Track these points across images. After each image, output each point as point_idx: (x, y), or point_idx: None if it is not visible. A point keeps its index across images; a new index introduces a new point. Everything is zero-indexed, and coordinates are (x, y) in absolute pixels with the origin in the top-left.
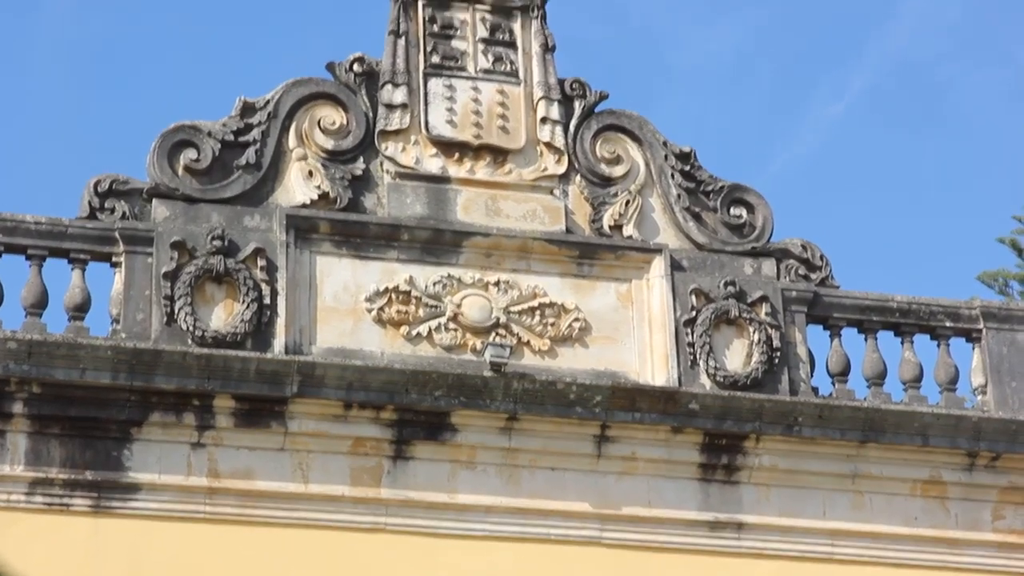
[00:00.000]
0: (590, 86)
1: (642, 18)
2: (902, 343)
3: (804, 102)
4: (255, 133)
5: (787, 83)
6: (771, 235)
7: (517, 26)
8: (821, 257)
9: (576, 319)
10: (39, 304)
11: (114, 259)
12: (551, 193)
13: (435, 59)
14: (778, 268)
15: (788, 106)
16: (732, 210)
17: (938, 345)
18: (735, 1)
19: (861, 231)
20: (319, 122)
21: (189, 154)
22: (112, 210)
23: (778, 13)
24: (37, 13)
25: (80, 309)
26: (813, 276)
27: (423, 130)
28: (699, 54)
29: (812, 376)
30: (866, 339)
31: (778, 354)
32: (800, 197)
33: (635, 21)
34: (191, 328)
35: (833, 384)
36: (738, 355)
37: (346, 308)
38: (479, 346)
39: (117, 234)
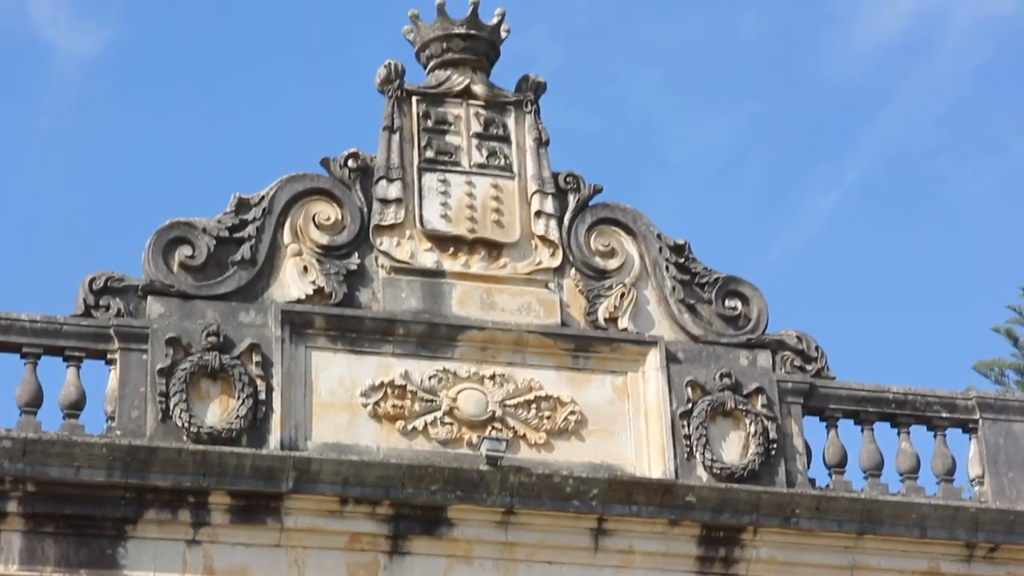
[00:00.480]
0: (584, 179)
1: (636, 110)
2: (898, 434)
3: (798, 193)
4: (250, 229)
5: (781, 174)
6: (766, 326)
7: (511, 121)
8: (816, 348)
9: (572, 412)
10: (34, 402)
11: (109, 356)
12: (546, 286)
13: (429, 154)
14: (773, 359)
15: (782, 197)
16: (727, 302)
17: (935, 436)
18: (729, 93)
19: (856, 321)
20: (314, 217)
21: (184, 251)
22: (107, 307)
23: (772, 105)
24: (33, 109)
25: (75, 407)
26: (809, 367)
27: (418, 224)
28: (693, 146)
29: (809, 467)
30: (862, 430)
31: (774, 446)
32: (795, 288)
33: (630, 113)
34: (186, 424)
35: (830, 475)
36: (734, 447)
37: (341, 403)
38: (475, 440)
39: (112, 331)
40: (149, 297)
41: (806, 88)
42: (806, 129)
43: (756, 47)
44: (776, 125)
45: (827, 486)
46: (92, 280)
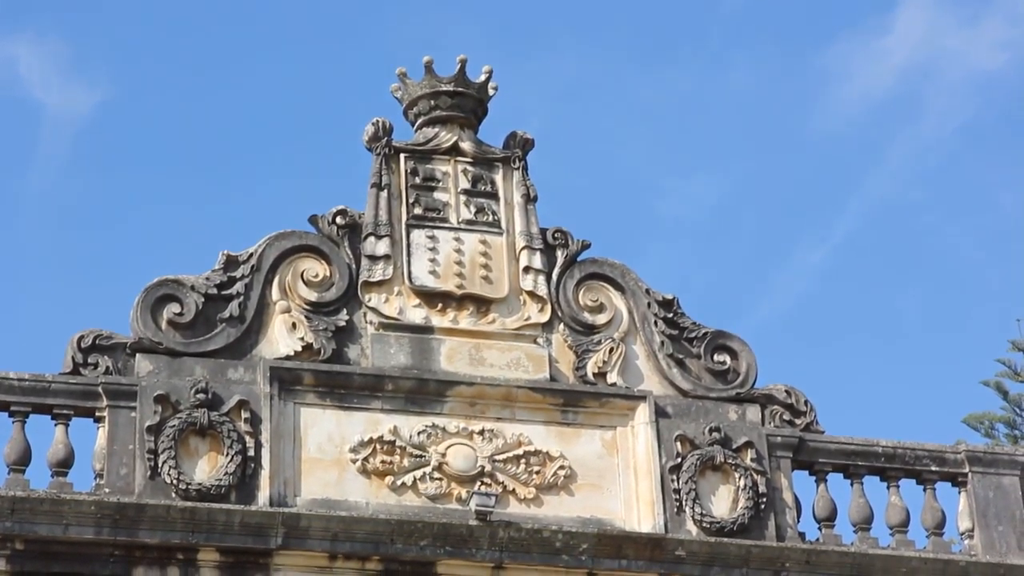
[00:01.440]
0: (572, 235)
1: (626, 167)
2: (888, 488)
3: (787, 249)
4: (238, 286)
5: (771, 230)
6: (755, 381)
7: (499, 177)
8: (806, 403)
9: (561, 467)
10: (22, 461)
11: (97, 414)
12: (535, 341)
13: (417, 210)
14: (763, 414)
15: (771, 253)
16: (716, 356)
17: (924, 490)
18: (719, 150)
19: (846, 376)
20: (302, 274)
21: (172, 308)
22: (95, 365)
23: (762, 161)
24: (23, 169)
25: (63, 465)
26: (798, 421)
27: (406, 281)
28: (683, 202)
29: (799, 521)
30: (852, 484)
31: (764, 499)
32: (784, 343)
33: (619, 170)
34: (175, 481)
35: (820, 529)
36: (724, 501)
37: (331, 459)
38: (464, 495)
39: (100, 389)
40: (137, 355)
41: (795, 145)
42: (795, 186)
43: (745, 104)
44: (765, 182)
45: (817, 540)
46: (80, 338)
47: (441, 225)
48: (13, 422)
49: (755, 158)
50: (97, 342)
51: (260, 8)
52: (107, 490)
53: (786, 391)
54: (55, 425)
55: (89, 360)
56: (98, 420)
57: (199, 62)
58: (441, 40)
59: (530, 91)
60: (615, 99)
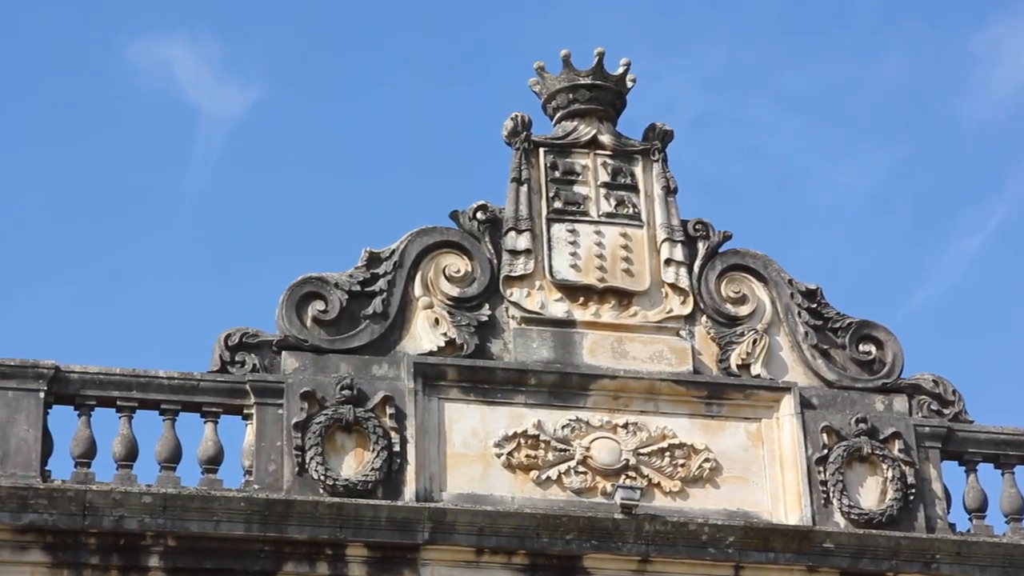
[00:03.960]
0: (713, 227)
1: (777, 156)
2: None
3: (943, 236)
4: (381, 283)
5: (926, 217)
6: (901, 371)
7: (638, 169)
8: (954, 392)
9: (706, 459)
10: (173, 458)
11: (245, 411)
12: (677, 334)
13: (557, 204)
14: (910, 404)
15: (927, 240)
16: (861, 347)
17: None
18: (872, 136)
19: (998, 364)
20: (444, 270)
21: (317, 305)
22: (242, 363)
23: (914, 148)
24: (179, 170)
25: (213, 462)
26: (946, 411)
27: (547, 275)
28: (833, 191)
29: (948, 512)
30: (1003, 474)
31: (913, 491)
32: (939, 331)
33: (770, 159)
34: (322, 477)
35: (971, 520)
36: (872, 492)
37: (475, 454)
38: (609, 489)
39: (248, 386)
40: (283, 352)
41: (949, 130)
42: (949, 172)
43: (897, 90)
44: (919, 168)
45: (968, 531)
46: (227, 336)
47: (581, 219)
48: (163, 420)
49: (908, 144)
50: (244, 340)
51: (402, 6)
52: (256, 486)
53: (934, 380)
54: (204, 423)
55: (236, 358)
56: (246, 417)
57: (344, 61)
58: (581, 33)
59: (674, 81)
60: (766, 87)
